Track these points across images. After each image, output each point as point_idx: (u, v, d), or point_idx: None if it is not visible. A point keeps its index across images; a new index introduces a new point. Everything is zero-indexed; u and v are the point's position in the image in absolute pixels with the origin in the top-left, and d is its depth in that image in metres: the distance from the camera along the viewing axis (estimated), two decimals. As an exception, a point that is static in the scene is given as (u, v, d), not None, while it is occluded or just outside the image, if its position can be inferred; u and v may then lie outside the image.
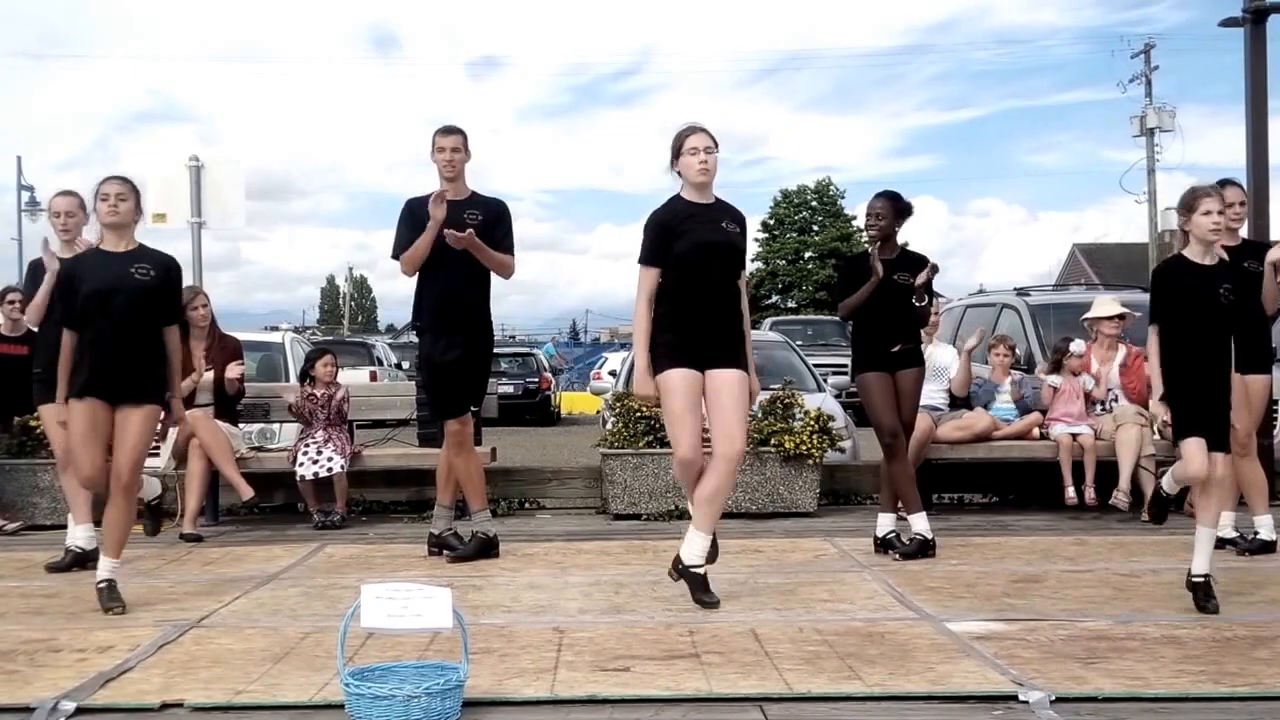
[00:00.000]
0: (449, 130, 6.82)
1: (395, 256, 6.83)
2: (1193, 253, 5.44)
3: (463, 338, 6.80)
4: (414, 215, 6.76)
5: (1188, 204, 5.44)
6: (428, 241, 6.59)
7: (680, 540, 5.76)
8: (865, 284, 6.77)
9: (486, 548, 6.94)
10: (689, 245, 5.54)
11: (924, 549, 6.77)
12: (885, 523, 7.02)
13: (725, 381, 5.55)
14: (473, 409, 7.02)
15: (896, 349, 6.78)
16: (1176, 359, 5.37)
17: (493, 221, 6.79)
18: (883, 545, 6.97)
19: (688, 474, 5.61)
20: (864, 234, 7.13)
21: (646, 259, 5.64)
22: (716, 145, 5.68)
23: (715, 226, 5.61)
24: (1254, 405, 6.70)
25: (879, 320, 6.81)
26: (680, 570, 5.63)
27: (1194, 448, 5.23)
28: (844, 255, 53.19)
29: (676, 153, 5.68)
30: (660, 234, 5.62)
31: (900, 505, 6.93)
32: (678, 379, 5.52)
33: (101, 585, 5.65)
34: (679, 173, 5.70)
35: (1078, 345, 8.95)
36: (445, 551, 7.01)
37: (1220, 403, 5.37)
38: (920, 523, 6.82)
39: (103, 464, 5.63)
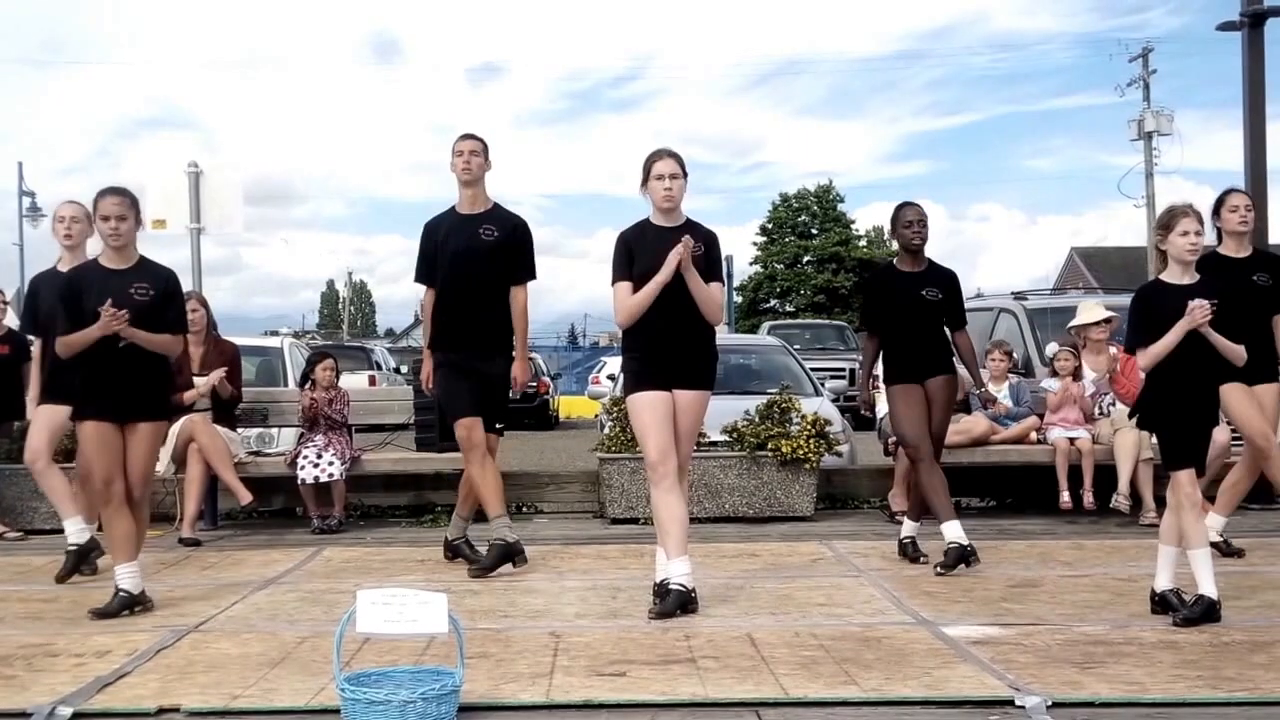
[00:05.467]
0: (468, 135, 6.74)
1: (418, 280, 6.80)
2: (1170, 274, 5.36)
3: (478, 352, 6.65)
4: (430, 237, 6.72)
5: (1165, 223, 5.36)
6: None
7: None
8: (895, 300, 6.76)
9: (507, 555, 6.54)
10: (642, 270, 5.62)
11: (962, 557, 6.45)
12: (908, 528, 7.00)
13: (684, 404, 5.71)
14: (498, 427, 6.77)
15: (923, 360, 6.72)
16: (1163, 384, 5.30)
17: (509, 242, 6.66)
18: (903, 550, 6.96)
19: (655, 476, 5.64)
20: (892, 242, 6.98)
21: (616, 276, 5.72)
22: (684, 170, 5.74)
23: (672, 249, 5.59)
24: (1269, 415, 6.51)
25: (909, 335, 6.77)
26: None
27: (1186, 478, 5.20)
28: (844, 260, 53.37)
29: (646, 176, 5.73)
30: (624, 252, 5.71)
31: (920, 510, 6.94)
32: (645, 398, 5.68)
33: (124, 593, 5.70)
34: (648, 195, 5.76)
35: (1052, 348, 8.99)
36: (463, 560, 6.86)
37: (1207, 426, 5.36)
38: (953, 530, 6.53)
39: (119, 475, 5.73)
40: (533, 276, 6.82)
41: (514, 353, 6.77)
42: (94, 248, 6.96)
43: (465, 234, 6.63)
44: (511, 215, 6.80)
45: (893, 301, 6.81)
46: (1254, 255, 6.62)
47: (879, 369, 7.06)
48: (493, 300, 6.68)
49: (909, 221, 6.77)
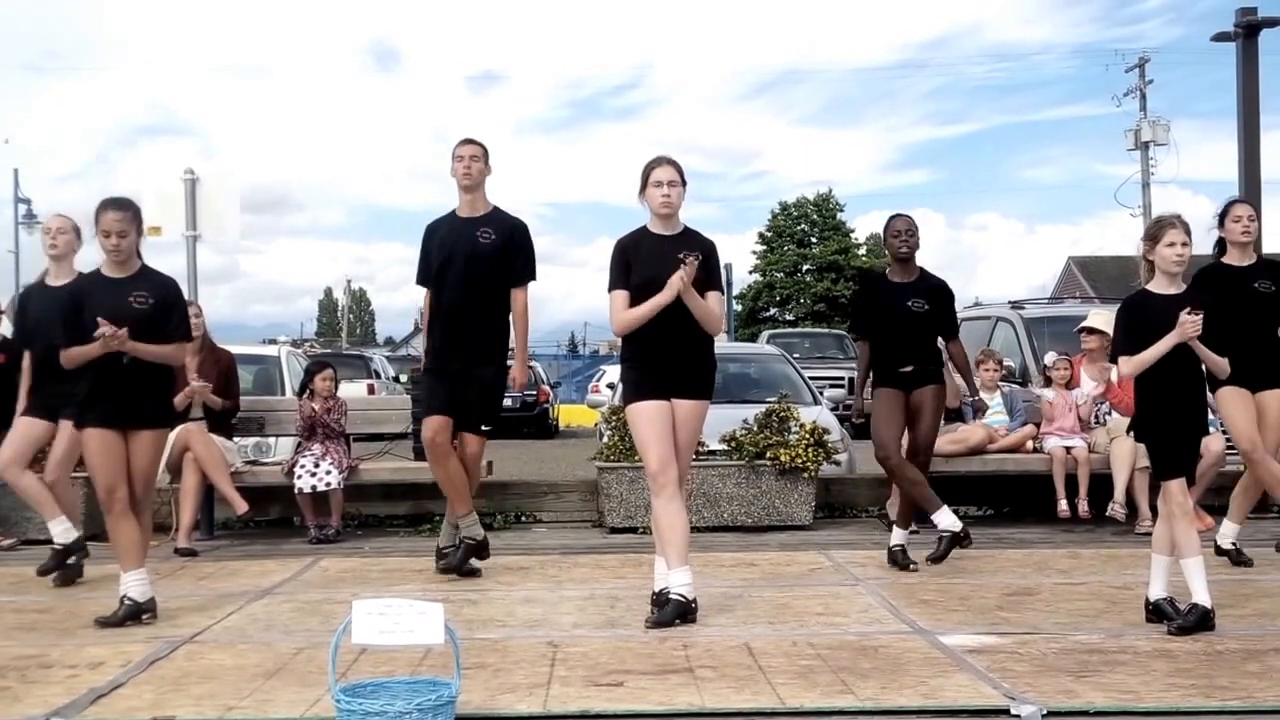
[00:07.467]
0: (468, 140, 6.79)
1: (419, 282, 6.84)
2: (1157, 285, 5.38)
3: (464, 355, 6.65)
4: (431, 239, 6.76)
5: (1152, 234, 5.39)
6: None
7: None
8: (881, 309, 6.88)
9: (474, 552, 6.79)
10: (640, 280, 5.62)
11: (955, 542, 6.80)
12: (897, 536, 7.02)
13: (684, 415, 5.71)
14: (484, 428, 6.78)
15: (909, 369, 6.81)
16: (1151, 393, 5.32)
17: (508, 245, 6.69)
18: (893, 559, 6.96)
19: (656, 485, 5.64)
20: (884, 252, 7.11)
21: (613, 284, 5.73)
22: (683, 178, 5.74)
23: (672, 259, 5.59)
24: (1273, 421, 6.52)
25: (895, 343, 6.86)
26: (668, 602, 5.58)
27: (1177, 488, 5.23)
28: (844, 269, 53.39)
29: (644, 183, 5.75)
30: (622, 260, 5.72)
31: (910, 517, 7.02)
32: (645, 408, 5.67)
33: (129, 601, 5.70)
34: (647, 202, 5.77)
35: (1050, 357, 9.04)
36: (442, 563, 6.90)
37: (1195, 436, 5.39)
38: (945, 519, 6.81)
39: (122, 482, 5.73)
40: (533, 277, 6.85)
41: (511, 355, 6.82)
42: (80, 260, 7.00)
43: (463, 238, 6.67)
44: (510, 218, 6.82)
45: (879, 310, 6.94)
46: (1258, 263, 6.66)
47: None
48: (489, 305, 6.70)
49: (897, 231, 6.89)
